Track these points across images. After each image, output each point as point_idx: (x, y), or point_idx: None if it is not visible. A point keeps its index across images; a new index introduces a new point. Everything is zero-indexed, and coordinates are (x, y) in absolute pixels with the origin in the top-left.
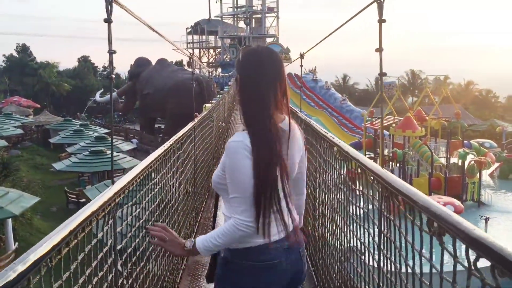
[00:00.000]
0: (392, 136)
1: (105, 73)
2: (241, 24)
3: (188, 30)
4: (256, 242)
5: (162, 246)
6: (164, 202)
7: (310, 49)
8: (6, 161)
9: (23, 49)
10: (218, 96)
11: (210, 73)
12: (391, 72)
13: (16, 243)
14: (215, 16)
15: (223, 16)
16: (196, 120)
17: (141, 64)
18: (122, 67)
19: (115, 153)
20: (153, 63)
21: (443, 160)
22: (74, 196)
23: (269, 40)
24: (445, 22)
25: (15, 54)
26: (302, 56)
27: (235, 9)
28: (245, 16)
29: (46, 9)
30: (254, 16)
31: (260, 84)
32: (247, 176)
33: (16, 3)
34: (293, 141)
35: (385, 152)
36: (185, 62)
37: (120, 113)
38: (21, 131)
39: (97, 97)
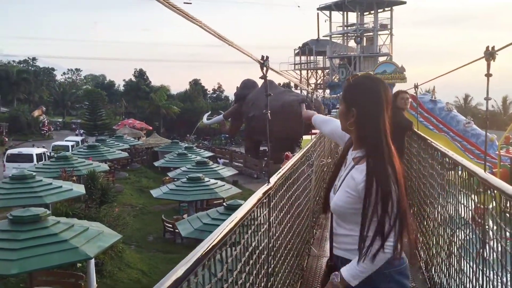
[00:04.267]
0: None
1: (214, 95)
2: (351, 43)
3: (296, 51)
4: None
5: None
6: None
7: (426, 82)
8: (105, 187)
9: (140, 74)
10: None
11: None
12: None
13: (95, 285)
14: (324, 36)
15: (333, 36)
16: (274, 178)
17: (247, 86)
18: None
19: (212, 181)
20: (260, 85)
21: None
22: (171, 226)
23: (381, 59)
24: None
25: (133, 78)
26: (416, 86)
27: (345, 28)
28: (356, 34)
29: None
30: (365, 34)
31: (379, 119)
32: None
33: (139, 32)
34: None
35: None
36: (292, 84)
37: (227, 135)
38: (127, 154)
39: (204, 119)
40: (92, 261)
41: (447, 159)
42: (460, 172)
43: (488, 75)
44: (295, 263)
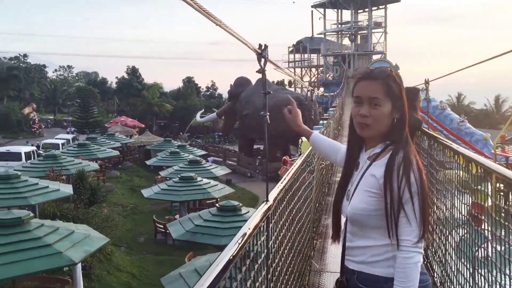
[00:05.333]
0: None
1: (208, 93)
2: (346, 41)
3: (290, 49)
4: None
5: None
6: None
7: (439, 78)
8: (94, 186)
9: (133, 71)
10: (321, 122)
11: (318, 93)
12: None
13: None
14: (318, 34)
15: (327, 33)
16: (270, 200)
17: (240, 84)
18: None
19: (205, 181)
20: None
21: None
22: (162, 227)
23: (376, 57)
24: None
25: (126, 76)
26: (427, 82)
27: (339, 26)
28: (350, 32)
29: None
30: (359, 32)
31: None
32: None
33: (132, 29)
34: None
35: None
36: (286, 82)
37: (220, 133)
38: (118, 152)
39: (198, 117)
40: (79, 264)
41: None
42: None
43: None
44: (297, 284)
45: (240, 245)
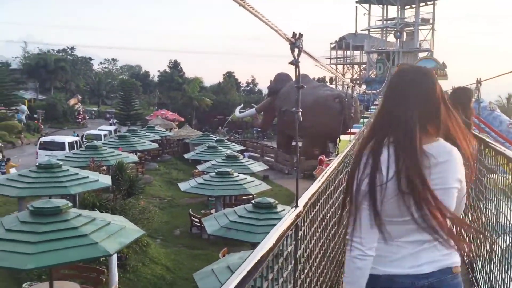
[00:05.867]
0: None
1: (248, 88)
2: (391, 38)
3: (332, 45)
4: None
5: None
6: None
7: (492, 78)
8: (132, 178)
9: (174, 65)
10: (361, 120)
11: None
12: None
13: (116, 283)
14: (362, 30)
15: (371, 30)
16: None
17: (281, 79)
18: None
19: (242, 176)
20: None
21: None
22: (198, 220)
23: (422, 54)
24: None
25: (167, 69)
26: (479, 82)
27: (385, 22)
28: (395, 28)
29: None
30: (406, 29)
31: (396, 108)
32: None
33: (175, 23)
34: (437, 167)
35: None
36: (327, 78)
37: (259, 129)
38: (157, 145)
39: (237, 112)
40: (114, 255)
41: None
42: None
43: None
44: None
45: (259, 260)
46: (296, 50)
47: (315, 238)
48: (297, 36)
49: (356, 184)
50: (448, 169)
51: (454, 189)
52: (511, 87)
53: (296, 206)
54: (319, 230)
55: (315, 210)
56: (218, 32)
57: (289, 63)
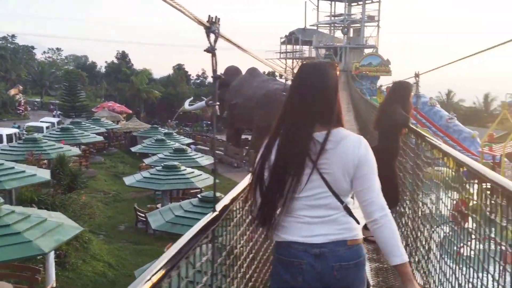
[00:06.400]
0: None
1: (198, 81)
2: (338, 33)
3: (282, 40)
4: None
5: None
6: None
7: (430, 71)
8: (74, 172)
9: (122, 56)
10: None
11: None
12: None
13: (52, 282)
14: (310, 25)
15: (319, 25)
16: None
17: (230, 73)
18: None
19: (189, 170)
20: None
21: None
22: (143, 215)
23: (367, 51)
24: None
25: (115, 60)
26: (417, 75)
27: (332, 18)
28: (342, 25)
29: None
30: (352, 25)
31: (293, 100)
32: None
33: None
34: (330, 153)
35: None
36: (277, 74)
37: (209, 122)
38: (102, 138)
39: (186, 105)
40: (51, 254)
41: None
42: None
43: None
44: None
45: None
46: (213, 36)
47: (239, 246)
48: (213, 19)
49: (253, 168)
50: (334, 156)
51: (339, 175)
52: (450, 83)
53: (214, 210)
54: (244, 237)
55: (239, 215)
56: (169, 23)
57: (204, 50)
